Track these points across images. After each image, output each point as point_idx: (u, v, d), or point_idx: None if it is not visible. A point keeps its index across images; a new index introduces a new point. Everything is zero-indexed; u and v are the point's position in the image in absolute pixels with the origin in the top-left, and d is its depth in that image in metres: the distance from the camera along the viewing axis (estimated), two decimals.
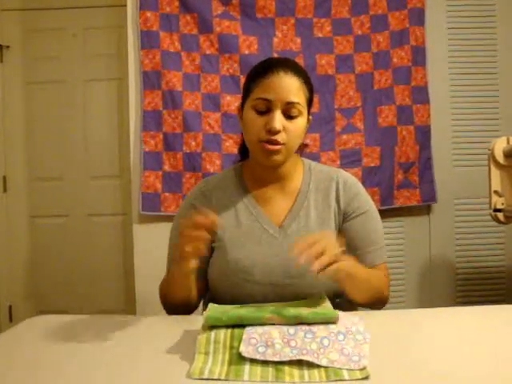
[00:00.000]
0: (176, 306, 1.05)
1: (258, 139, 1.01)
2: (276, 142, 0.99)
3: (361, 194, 1.11)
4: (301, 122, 1.02)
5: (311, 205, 1.08)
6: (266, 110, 1.00)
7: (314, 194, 1.09)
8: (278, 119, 0.98)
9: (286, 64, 1.03)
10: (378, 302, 1.05)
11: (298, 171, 1.12)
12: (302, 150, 1.16)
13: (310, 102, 1.06)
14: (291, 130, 1.00)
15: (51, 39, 2.57)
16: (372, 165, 2.20)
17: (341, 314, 0.83)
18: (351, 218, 1.08)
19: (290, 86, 1.00)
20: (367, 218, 1.09)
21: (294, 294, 1.00)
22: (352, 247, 1.06)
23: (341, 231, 1.08)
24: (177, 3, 2.16)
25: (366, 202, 1.11)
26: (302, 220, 1.06)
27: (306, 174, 1.12)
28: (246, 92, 1.05)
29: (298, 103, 1.00)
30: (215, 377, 0.67)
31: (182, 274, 0.98)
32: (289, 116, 1.00)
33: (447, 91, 2.28)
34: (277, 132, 0.98)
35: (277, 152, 1.00)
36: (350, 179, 1.12)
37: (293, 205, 1.08)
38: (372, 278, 1.03)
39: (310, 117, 1.09)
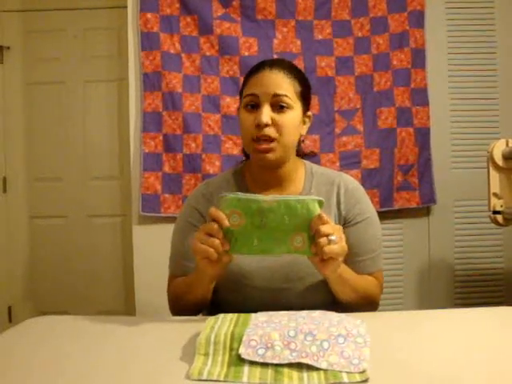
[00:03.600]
0: (191, 308, 1.03)
1: (251, 137, 1.00)
2: (266, 138, 0.98)
3: (362, 200, 1.10)
4: (292, 115, 1.01)
5: None
6: (255, 106, 1.00)
7: None
8: (265, 113, 0.97)
9: (273, 61, 1.04)
10: (366, 308, 1.04)
11: (300, 174, 1.10)
12: (307, 155, 1.16)
13: (304, 97, 1.05)
14: (281, 123, 0.98)
15: (51, 40, 2.58)
16: (371, 167, 2.20)
17: (343, 316, 0.84)
18: (351, 224, 1.06)
19: (275, 80, 0.99)
20: (367, 225, 1.08)
21: (293, 299, 1.01)
22: (351, 254, 1.06)
23: None
24: (177, 5, 2.16)
25: (367, 208, 1.10)
26: None
27: (308, 177, 1.11)
28: (241, 95, 1.06)
29: (284, 95, 0.99)
30: (214, 378, 0.67)
31: (200, 282, 0.97)
32: (278, 109, 0.99)
33: (447, 93, 2.29)
34: (264, 125, 0.97)
35: (269, 150, 0.99)
36: (351, 184, 1.10)
37: None
38: (362, 285, 1.03)
39: (310, 113, 1.08)
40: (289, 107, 1.00)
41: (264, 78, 1.00)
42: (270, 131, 0.98)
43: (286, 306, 0.91)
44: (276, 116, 0.99)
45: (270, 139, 0.98)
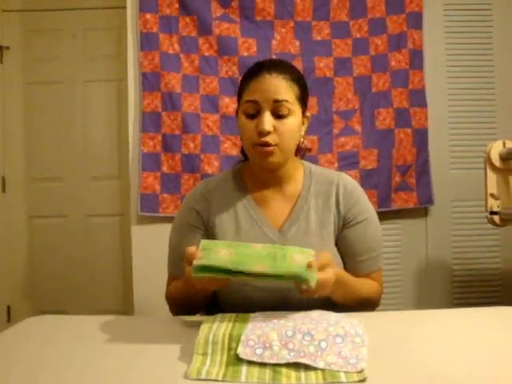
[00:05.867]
0: (190, 308, 1.05)
1: (252, 143, 1.01)
2: (267, 144, 0.99)
3: (361, 200, 1.10)
4: (292, 121, 1.01)
5: (311, 208, 1.07)
6: (255, 112, 1.00)
7: (315, 198, 1.08)
8: (267, 120, 0.98)
9: (272, 65, 1.03)
10: (366, 309, 1.05)
11: (299, 174, 1.11)
12: (303, 153, 1.16)
13: (303, 100, 1.05)
14: (282, 129, 1.00)
15: (51, 40, 2.58)
16: (369, 167, 2.21)
17: (340, 315, 0.84)
18: (351, 224, 1.07)
19: (275, 85, 0.99)
20: (367, 225, 1.08)
21: (293, 299, 1.01)
22: (350, 253, 1.07)
23: (340, 237, 1.08)
24: (176, 5, 2.16)
25: (366, 208, 1.10)
26: (301, 224, 1.06)
27: (307, 177, 1.11)
28: (239, 97, 1.06)
29: (285, 101, 0.99)
30: (212, 378, 0.68)
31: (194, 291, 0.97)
32: (278, 115, 1.00)
33: (444, 94, 2.29)
34: (266, 133, 0.98)
35: (270, 153, 1.00)
36: (350, 184, 1.10)
37: (293, 208, 1.08)
38: (361, 288, 1.04)
39: (308, 114, 1.09)
40: (289, 113, 1.00)
41: (263, 84, 0.99)
42: (271, 138, 0.99)
43: (286, 306, 0.92)
44: (277, 123, 0.99)
45: (270, 144, 1.00)
